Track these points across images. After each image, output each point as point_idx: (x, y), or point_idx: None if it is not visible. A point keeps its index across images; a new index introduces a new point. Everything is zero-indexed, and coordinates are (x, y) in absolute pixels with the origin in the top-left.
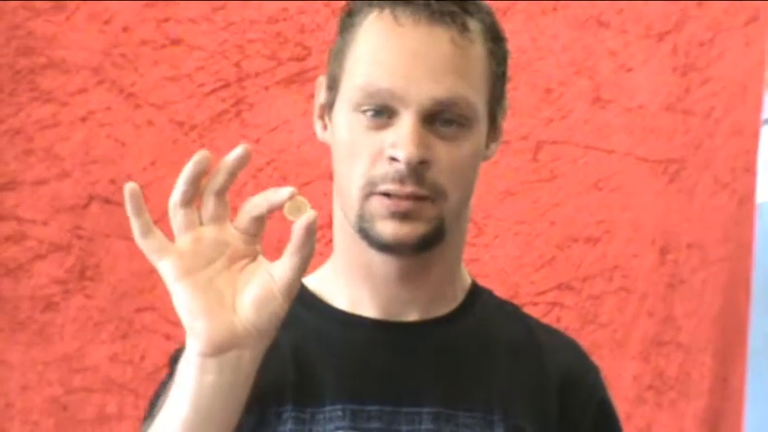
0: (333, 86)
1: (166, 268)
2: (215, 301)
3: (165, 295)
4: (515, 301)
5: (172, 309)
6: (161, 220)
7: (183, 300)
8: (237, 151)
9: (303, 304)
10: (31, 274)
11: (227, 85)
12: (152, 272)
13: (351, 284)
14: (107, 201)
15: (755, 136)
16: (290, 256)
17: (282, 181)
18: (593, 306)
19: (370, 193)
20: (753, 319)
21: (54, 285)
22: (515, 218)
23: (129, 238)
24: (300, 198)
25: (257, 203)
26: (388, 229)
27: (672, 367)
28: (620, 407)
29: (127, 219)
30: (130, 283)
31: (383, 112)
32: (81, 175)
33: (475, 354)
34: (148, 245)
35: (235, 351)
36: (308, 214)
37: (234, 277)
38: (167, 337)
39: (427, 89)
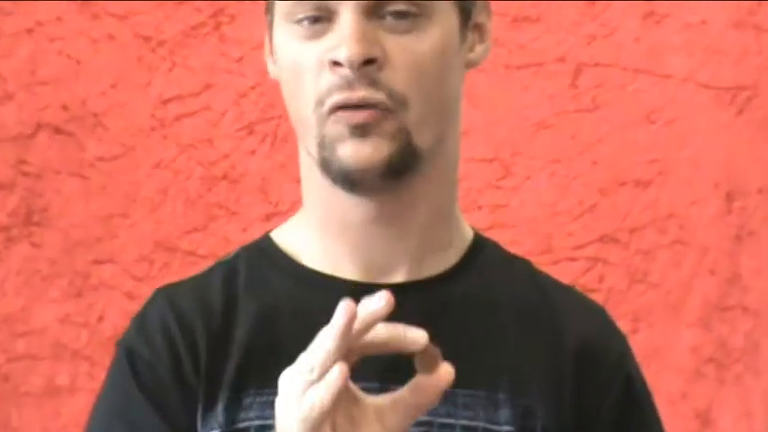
0: (269, 8)
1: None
2: None
3: (130, 244)
4: (548, 257)
5: (136, 261)
6: (122, 156)
7: None
8: (379, 303)
9: (272, 265)
10: None
11: None
12: (112, 216)
13: (325, 239)
14: (58, 130)
15: None
16: (410, 407)
17: (270, 109)
18: (643, 262)
19: (322, 112)
20: None
21: None
22: (550, 156)
23: (83, 175)
24: (433, 349)
25: (385, 340)
26: (347, 151)
27: (737, 336)
28: (674, 384)
29: (81, 153)
30: (86, 229)
31: (320, 18)
32: (26, 99)
33: (476, 320)
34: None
35: None
36: (447, 372)
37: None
38: (130, 296)
39: None
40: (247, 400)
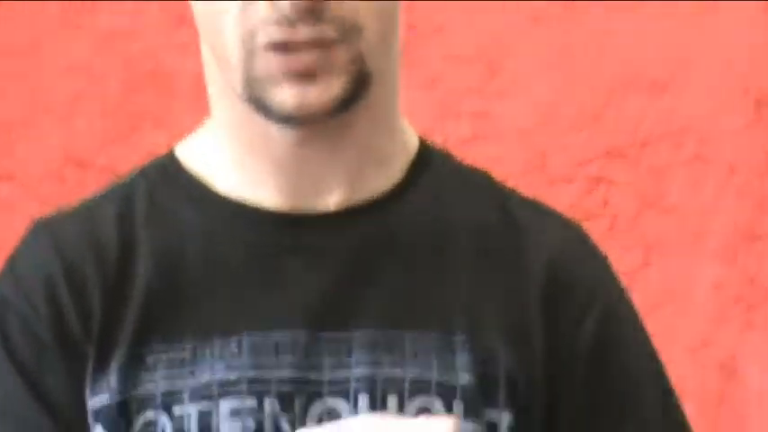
0: None
1: None
2: None
3: (34, 159)
4: (542, 176)
5: (42, 178)
6: (28, 53)
7: None
8: None
9: (177, 190)
10: None
11: None
12: (12, 125)
13: (242, 159)
14: None
15: None
16: None
17: None
18: (656, 183)
19: (252, 48)
20: None
21: None
22: (544, 53)
23: None
24: None
25: None
26: (287, 96)
27: None
28: (695, 327)
29: None
30: None
31: None
32: None
33: (425, 250)
34: None
35: None
36: None
37: None
38: (35, 217)
39: None
40: (150, 359)
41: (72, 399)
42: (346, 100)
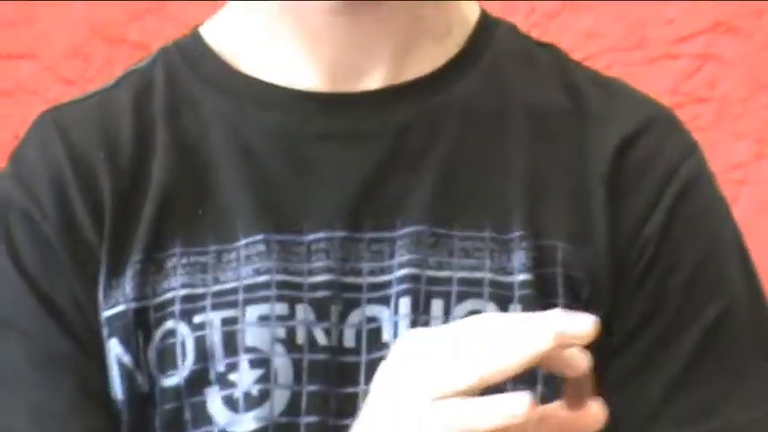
0: None
1: None
2: None
3: (57, 33)
4: (640, 53)
5: (65, 55)
6: None
7: None
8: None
9: (200, 74)
10: None
11: None
12: None
13: (270, 35)
14: None
15: None
16: None
17: None
18: None
19: None
20: None
21: None
22: None
23: None
24: (585, 380)
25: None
26: None
27: None
28: None
29: None
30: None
31: None
32: None
33: (479, 136)
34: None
35: None
36: (595, 415)
37: None
38: (56, 102)
39: None
40: (170, 263)
41: (81, 311)
42: None
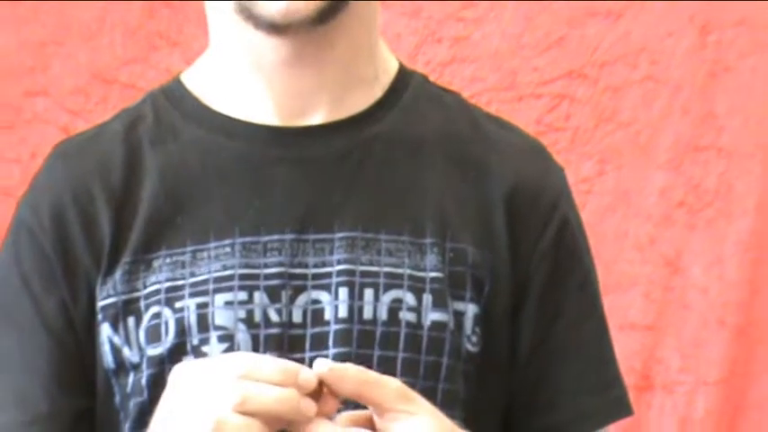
0: None
1: None
2: None
3: (64, 75)
4: (512, 93)
5: (71, 93)
6: None
7: None
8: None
9: (180, 111)
10: None
11: None
12: (45, 44)
13: (237, 81)
14: None
15: None
16: None
17: None
18: (612, 100)
19: None
20: None
21: None
22: None
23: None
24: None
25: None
26: (273, 6)
27: (710, 178)
28: (643, 229)
29: None
30: (17, 58)
31: None
32: None
33: (401, 160)
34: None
35: None
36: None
37: None
38: (65, 131)
39: None
40: (157, 262)
41: (66, 316)
42: (325, 12)
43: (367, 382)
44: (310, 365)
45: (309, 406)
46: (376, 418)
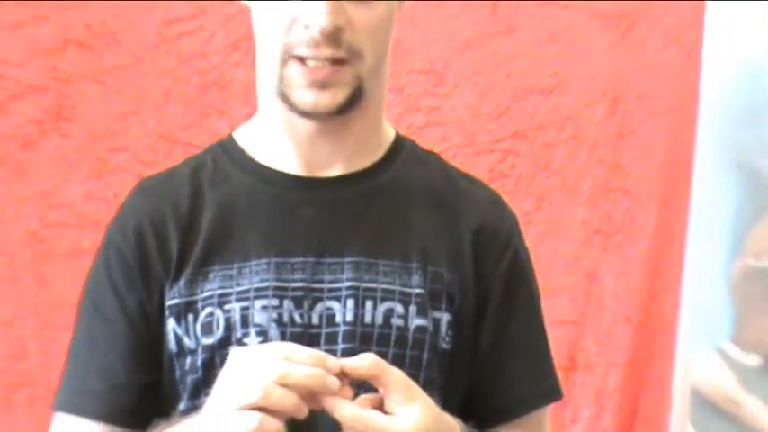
0: None
1: None
2: None
3: (139, 137)
4: (472, 149)
5: (144, 149)
6: (133, 66)
7: None
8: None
9: (232, 161)
10: (9, 114)
11: None
12: (125, 114)
13: (275, 141)
14: (82, 44)
15: None
16: None
17: (251, 30)
18: (546, 154)
19: (287, 57)
20: (696, 167)
21: (31, 125)
22: (474, 69)
23: (102, 81)
24: None
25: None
26: (306, 98)
27: (618, 212)
28: (569, 249)
29: (101, 62)
30: (104, 124)
31: None
32: (58, 20)
33: (396, 205)
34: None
35: None
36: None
37: None
38: (139, 177)
39: None
40: (212, 274)
41: (142, 311)
42: (346, 106)
43: (380, 368)
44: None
45: (334, 381)
46: (385, 402)
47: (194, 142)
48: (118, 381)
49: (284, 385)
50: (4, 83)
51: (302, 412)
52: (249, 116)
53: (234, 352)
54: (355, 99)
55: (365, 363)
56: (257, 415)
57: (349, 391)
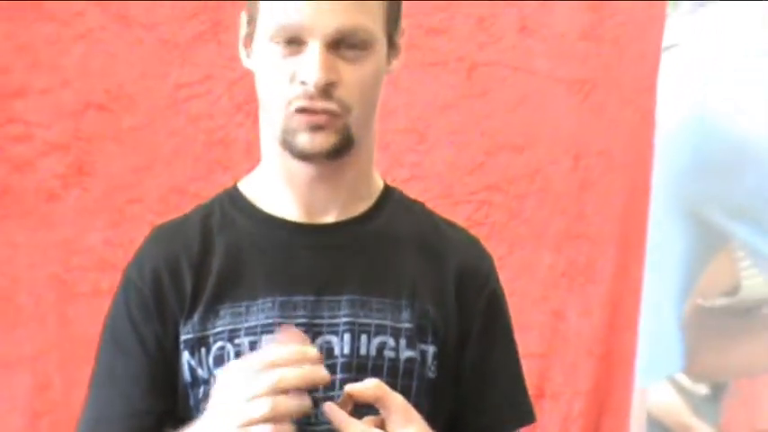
0: (251, 21)
1: None
2: None
3: (152, 189)
4: (450, 200)
5: (157, 201)
6: (147, 126)
7: None
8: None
9: (238, 209)
10: (36, 169)
11: (205, 10)
12: (140, 169)
13: (276, 190)
14: (102, 107)
15: (657, 61)
16: None
17: (254, 94)
18: (518, 204)
19: (289, 111)
20: (651, 217)
21: (56, 179)
22: (452, 128)
23: (120, 139)
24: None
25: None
26: (305, 139)
27: (582, 257)
28: (538, 290)
29: (119, 123)
30: (121, 178)
31: (294, 42)
32: (80, 85)
33: (386, 248)
34: None
35: None
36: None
37: None
38: (152, 225)
39: (330, 20)
40: (222, 312)
41: (159, 344)
42: (338, 148)
43: (383, 391)
44: (324, 388)
45: (324, 373)
46: (386, 423)
47: (202, 194)
48: (136, 408)
49: (282, 390)
50: (33, 142)
51: (309, 407)
52: (250, 170)
53: (221, 372)
54: (346, 145)
55: (370, 386)
56: (268, 428)
57: (350, 405)
